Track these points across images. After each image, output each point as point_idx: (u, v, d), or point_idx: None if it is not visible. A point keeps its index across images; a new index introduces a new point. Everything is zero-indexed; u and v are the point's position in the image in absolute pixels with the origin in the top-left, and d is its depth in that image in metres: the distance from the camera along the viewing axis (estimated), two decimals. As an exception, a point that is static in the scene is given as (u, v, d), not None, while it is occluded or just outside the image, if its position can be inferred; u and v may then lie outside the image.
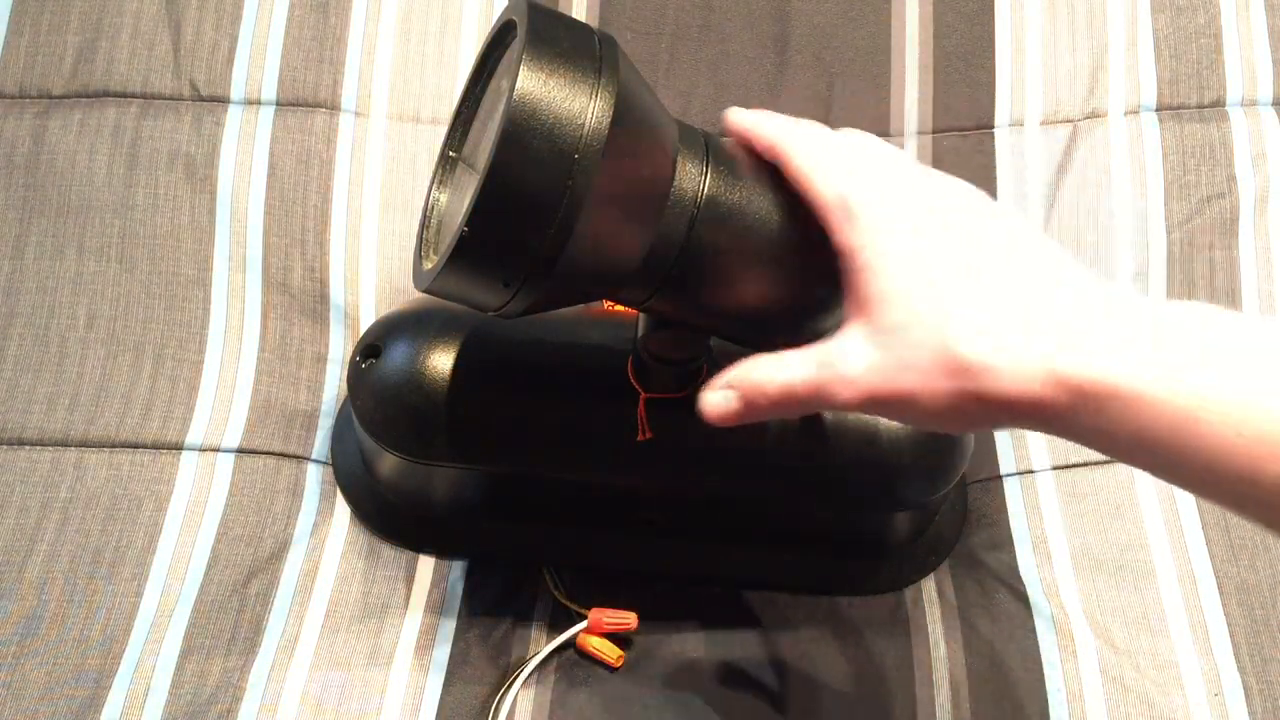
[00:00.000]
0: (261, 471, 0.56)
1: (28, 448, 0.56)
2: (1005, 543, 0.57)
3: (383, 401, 0.49)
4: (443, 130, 0.43)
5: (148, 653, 0.50)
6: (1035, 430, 0.31)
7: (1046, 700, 0.50)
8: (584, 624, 0.51)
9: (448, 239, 0.35)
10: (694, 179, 0.36)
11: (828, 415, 0.49)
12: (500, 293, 0.35)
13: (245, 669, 0.50)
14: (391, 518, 0.55)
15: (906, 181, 0.34)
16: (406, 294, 0.60)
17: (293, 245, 0.60)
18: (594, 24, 0.64)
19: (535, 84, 0.32)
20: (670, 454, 0.48)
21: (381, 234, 0.61)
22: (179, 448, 0.56)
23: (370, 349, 0.51)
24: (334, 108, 0.62)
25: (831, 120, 0.63)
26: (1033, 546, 0.56)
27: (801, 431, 0.48)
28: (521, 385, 0.49)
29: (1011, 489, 0.58)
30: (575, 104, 0.32)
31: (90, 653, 0.50)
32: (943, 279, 0.31)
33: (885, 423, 0.49)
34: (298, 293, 0.60)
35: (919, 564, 0.55)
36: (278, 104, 0.62)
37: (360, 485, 0.56)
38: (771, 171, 0.37)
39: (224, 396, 0.58)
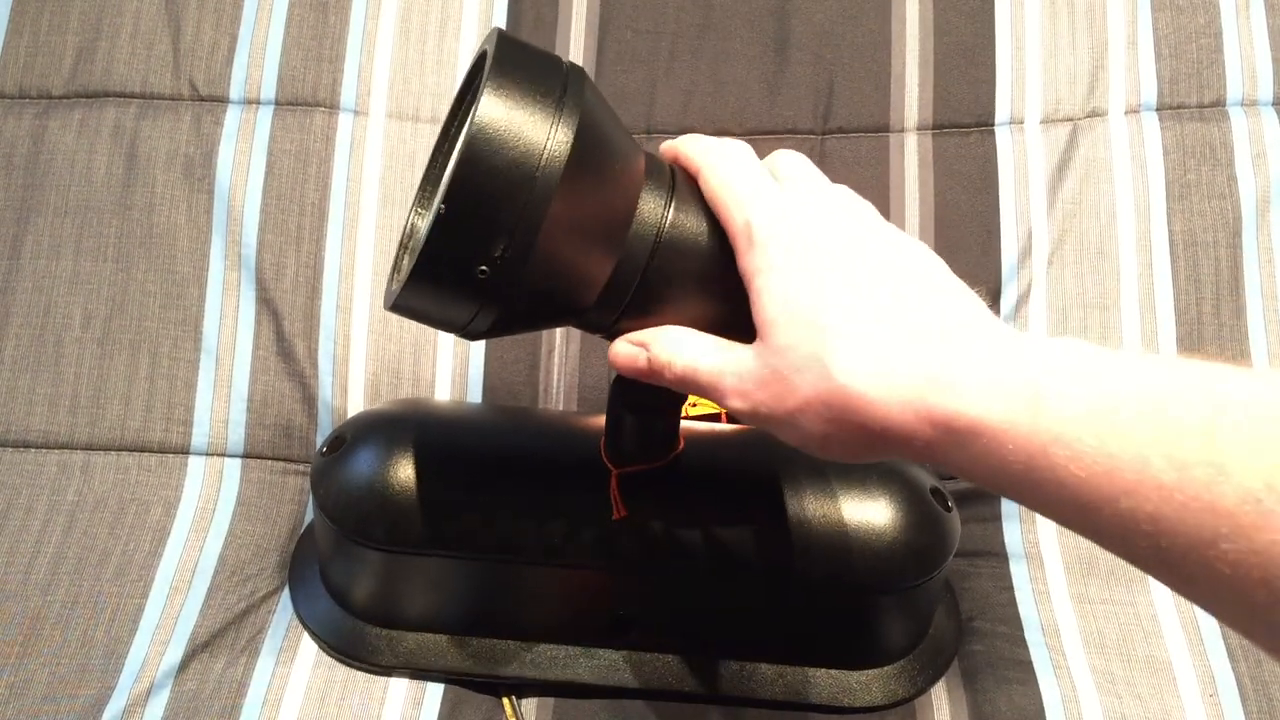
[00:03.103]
0: (268, 481, 0.58)
1: (34, 450, 0.56)
2: (998, 546, 0.58)
3: (347, 486, 0.48)
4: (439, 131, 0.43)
5: (153, 654, 0.51)
6: (912, 460, 0.32)
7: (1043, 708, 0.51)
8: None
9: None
10: (656, 209, 0.37)
11: (815, 486, 0.48)
12: (463, 308, 0.36)
13: (249, 668, 0.51)
14: (358, 641, 0.51)
15: (807, 210, 0.35)
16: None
17: (288, 242, 0.60)
18: (594, 24, 0.64)
19: (497, 106, 0.33)
20: (645, 532, 0.47)
21: (379, 229, 0.61)
22: (185, 451, 0.57)
23: (336, 440, 0.50)
24: (333, 107, 0.62)
25: (831, 118, 0.63)
26: (1025, 553, 0.56)
27: (786, 502, 0.47)
28: (492, 469, 0.48)
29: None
30: (536, 127, 0.34)
31: (94, 653, 0.51)
32: (828, 309, 0.32)
33: (875, 500, 0.48)
34: (290, 289, 0.60)
35: (919, 677, 0.51)
36: (276, 103, 0.62)
37: (324, 615, 0.52)
38: None
39: (221, 395, 0.58)
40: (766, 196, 0.35)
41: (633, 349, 0.37)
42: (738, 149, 0.37)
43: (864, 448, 0.32)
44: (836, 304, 0.32)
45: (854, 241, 0.34)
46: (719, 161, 0.37)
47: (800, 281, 0.33)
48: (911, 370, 0.30)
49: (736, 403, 0.34)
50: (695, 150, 0.38)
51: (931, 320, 0.32)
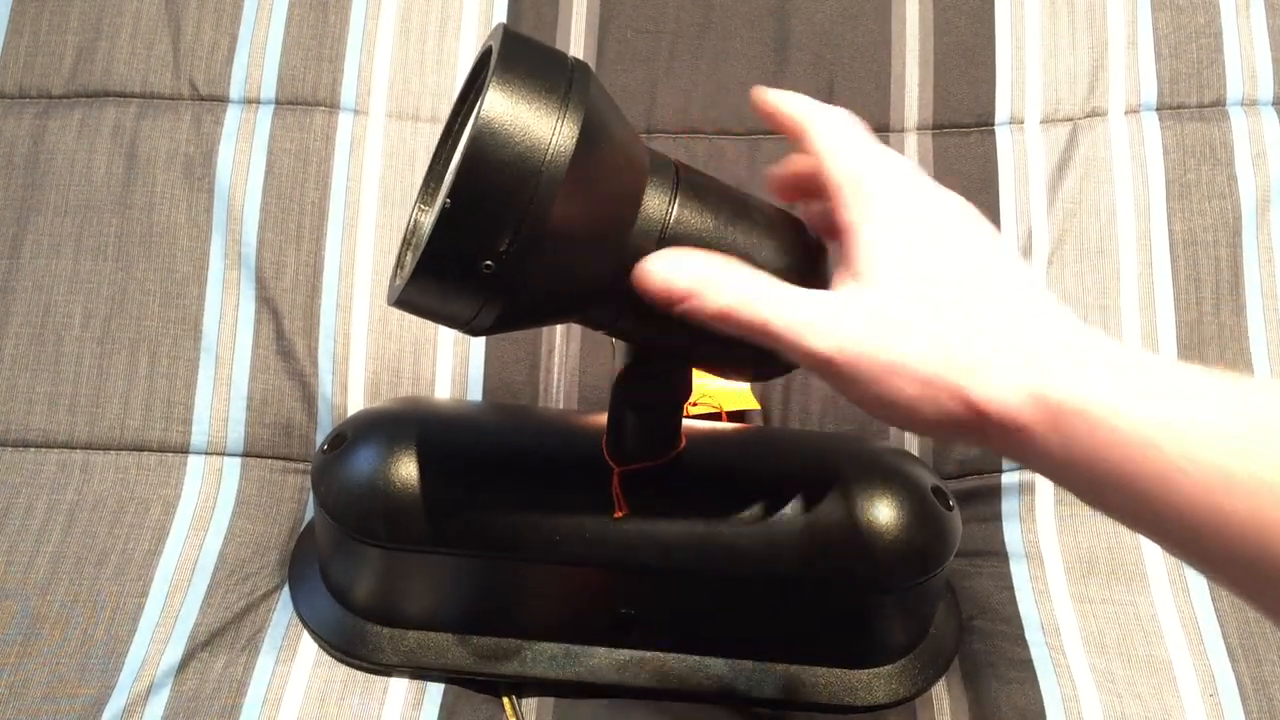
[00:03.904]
0: (268, 479, 0.58)
1: (33, 449, 0.56)
2: (999, 546, 0.58)
3: (348, 484, 0.48)
4: (442, 128, 0.43)
5: (153, 652, 0.51)
6: (988, 446, 0.32)
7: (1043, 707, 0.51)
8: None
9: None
10: (662, 205, 0.37)
11: (817, 484, 0.47)
12: (467, 303, 0.36)
13: (249, 667, 0.51)
14: (358, 639, 0.51)
15: (914, 182, 0.35)
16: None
17: (287, 241, 0.60)
18: (595, 23, 0.64)
19: (503, 101, 0.33)
20: (647, 530, 0.47)
21: (379, 228, 0.61)
22: (185, 451, 0.57)
23: (337, 438, 0.50)
24: (333, 106, 0.62)
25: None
26: (1025, 552, 0.56)
27: (788, 500, 0.47)
28: (493, 467, 0.48)
29: (1009, 490, 0.59)
30: (542, 121, 0.34)
31: (94, 652, 0.51)
32: (941, 276, 0.32)
33: (876, 499, 0.47)
34: (290, 287, 0.60)
35: (920, 676, 0.51)
36: (277, 103, 0.62)
37: (324, 613, 0.52)
38: (740, 200, 0.39)
39: (221, 394, 0.58)
40: (879, 153, 0.36)
41: (673, 270, 0.35)
42: (844, 112, 0.38)
43: (954, 424, 0.31)
44: (950, 275, 0.32)
45: (957, 221, 0.34)
46: (831, 120, 0.37)
47: (919, 236, 0.33)
48: (1028, 351, 0.30)
49: (824, 343, 0.32)
50: (799, 107, 0.38)
51: (1037, 306, 0.32)
